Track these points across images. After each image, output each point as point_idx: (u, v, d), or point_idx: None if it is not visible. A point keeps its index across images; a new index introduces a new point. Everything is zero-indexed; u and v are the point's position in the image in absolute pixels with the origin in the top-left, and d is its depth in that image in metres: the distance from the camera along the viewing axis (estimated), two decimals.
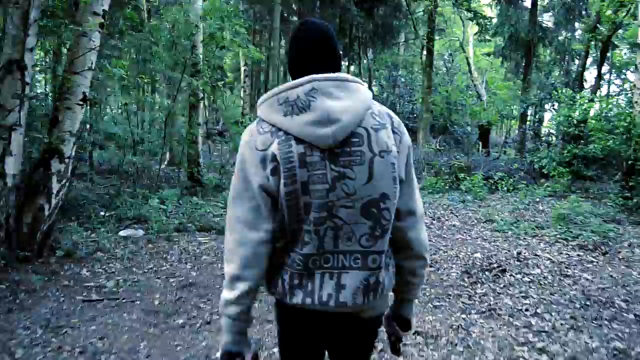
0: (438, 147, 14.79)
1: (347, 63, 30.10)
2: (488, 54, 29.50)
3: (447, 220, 8.44)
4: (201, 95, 10.14)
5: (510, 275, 5.23)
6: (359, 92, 1.47)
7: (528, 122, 18.64)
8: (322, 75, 1.43)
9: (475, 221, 8.32)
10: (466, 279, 5.13)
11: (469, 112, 20.44)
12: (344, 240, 1.44)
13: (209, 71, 10.27)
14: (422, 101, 17.70)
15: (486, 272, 5.33)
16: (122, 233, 6.44)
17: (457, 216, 8.75)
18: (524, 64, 21.46)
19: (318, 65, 1.49)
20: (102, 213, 7.23)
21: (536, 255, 6.09)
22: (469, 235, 7.26)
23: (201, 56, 10.00)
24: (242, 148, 1.46)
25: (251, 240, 1.42)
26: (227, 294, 1.44)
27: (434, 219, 8.46)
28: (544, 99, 16.37)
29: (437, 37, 25.15)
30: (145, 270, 5.16)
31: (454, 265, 5.62)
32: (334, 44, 1.56)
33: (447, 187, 11.40)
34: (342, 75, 1.47)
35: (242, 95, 21.99)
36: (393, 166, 1.45)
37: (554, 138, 15.72)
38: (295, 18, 25.30)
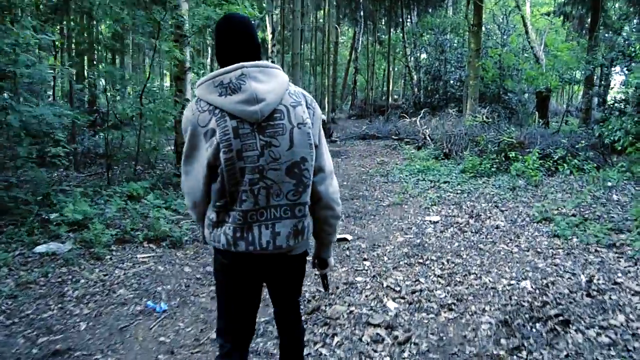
0: (485, 118, 12.51)
1: (388, 28, 27.73)
2: (547, 14, 26.52)
3: (488, 218, 6.42)
4: (188, 65, 8.38)
5: (576, 331, 3.26)
6: (278, 77, 1.84)
7: (595, 87, 15.92)
8: (249, 63, 1.78)
9: (527, 220, 6.26)
10: (503, 341, 3.19)
11: (525, 77, 17.97)
12: (274, 197, 1.82)
13: (195, 36, 8.47)
14: (468, 66, 15.31)
15: (537, 324, 3.36)
16: (38, 249, 4.82)
17: (503, 212, 6.70)
18: (589, 20, 18.67)
19: (241, 55, 1.83)
20: (51, 215, 5.65)
21: (616, 284, 4.06)
22: (517, 245, 5.24)
23: (186, 17, 8.21)
24: (186, 123, 1.81)
25: (198, 188, 1.86)
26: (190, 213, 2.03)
27: (471, 217, 6.46)
28: (615, 59, 13.68)
29: None
30: (17, 320, 3.48)
31: (487, 308, 3.67)
32: (254, 35, 1.89)
33: (493, 169, 9.27)
34: (265, 62, 1.83)
35: None
36: (309, 135, 1.85)
37: (627, 105, 13.14)
38: None
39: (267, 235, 1.83)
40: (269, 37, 19.65)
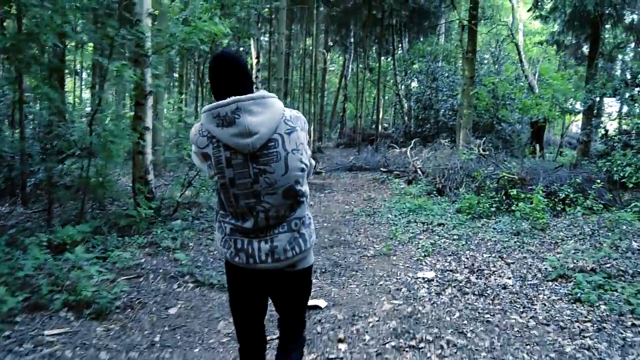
0: (482, 151, 11.53)
1: (379, 55, 27.01)
2: (540, 43, 25.99)
3: (492, 273, 5.36)
4: (148, 89, 7.36)
5: None
6: (273, 107, 1.94)
7: (601, 117, 15.03)
8: (245, 97, 1.90)
9: (540, 276, 5.22)
10: None
11: (520, 107, 17.13)
12: (273, 218, 1.98)
13: (161, 57, 7.50)
14: (462, 94, 14.45)
15: None
16: None
17: (509, 265, 5.65)
18: (588, 49, 18.00)
19: (233, 89, 1.96)
20: None
21: None
22: (533, 316, 4.17)
23: (147, 34, 7.24)
24: (191, 139, 2.02)
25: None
26: None
27: (472, 272, 5.40)
28: (618, 88, 12.85)
29: (482, 22, 21.84)
30: None
31: None
32: (245, 70, 2.03)
33: (493, 209, 8.25)
34: (260, 94, 1.94)
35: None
36: (300, 160, 1.99)
37: (631, 138, 12.23)
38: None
39: (266, 249, 1.96)
40: (254, 61, 18.74)
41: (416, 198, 9.54)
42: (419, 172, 11.99)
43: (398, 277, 5.18)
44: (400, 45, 26.45)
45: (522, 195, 8.29)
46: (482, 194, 8.78)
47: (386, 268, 5.50)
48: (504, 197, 8.62)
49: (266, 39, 27.62)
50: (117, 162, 6.67)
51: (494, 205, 8.32)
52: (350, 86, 31.01)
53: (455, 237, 6.86)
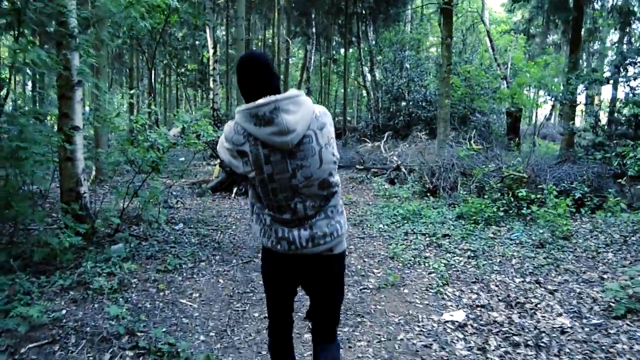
0: (474, 145, 10.26)
1: (345, 45, 25.66)
2: (507, 32, 25.24)
3: (537, 308, 4.06)
4: (76, 79, 5.77)
5: None
6: (305, 104, 1.96)
7: (592, 106, 14.01)
8: (281, 96, 1.91)
9: (600, 312, 3.95)
10: None
11: (498, 96, 16.16)
12: (310, 208, 2.01)
13: (90, 38, 5.96)
14: (441, 83, 13.21)
15: None
16: None
17: (552, 294, 4.36)
18: (567, 35, 17.14)
19: (263, 89, 1.96)
20: None
21: None
22: None
23: (72, 8, 5.66)
24: (224, 136, 2.01)
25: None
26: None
27: (510, 307, 4.09)
28: (612, 74, 11.83)
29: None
30: None
31: None
32: (272, 69, 2.04)
33: (500, 214, 7.00)
34: (294, 93, 1.96)
35: (211, 85, 17.40)
36: (332, 154, 2.02)
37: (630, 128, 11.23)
38: None
39: (306, 236, 2.00)
40: (211, 52, 17.06)
41: (407, 202, 8.22)
42: (402, 169, 10.67)
43: (420, 324, 3.79)
44: (366, 34, 25.17)
45: (532, 196, 7.09)
46: (485, 196, 7.53)
47: (400, 309, 4.10)
48: (511, 199, 7.39)
49: (223, 32, 25.95)
50: (32, 173, 5.00)
51: (500, 209, 7.07)
52: (313, 79, 29.57)
53: (469, 253, 5.55)
